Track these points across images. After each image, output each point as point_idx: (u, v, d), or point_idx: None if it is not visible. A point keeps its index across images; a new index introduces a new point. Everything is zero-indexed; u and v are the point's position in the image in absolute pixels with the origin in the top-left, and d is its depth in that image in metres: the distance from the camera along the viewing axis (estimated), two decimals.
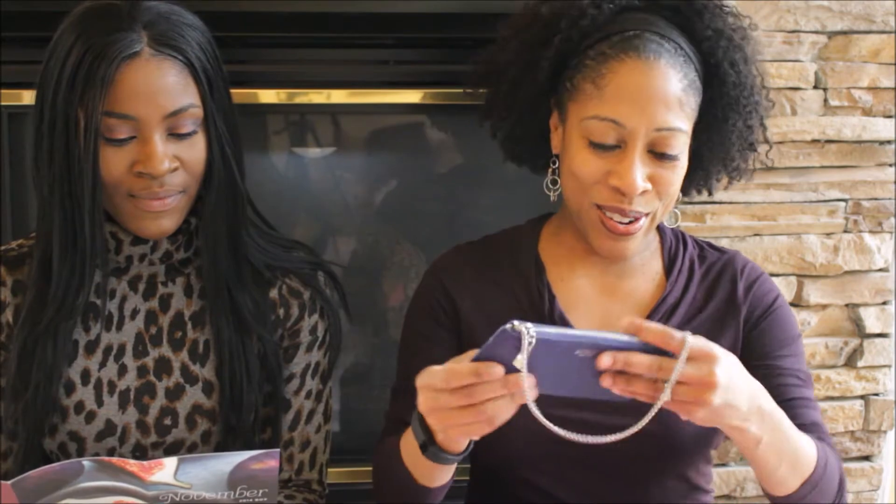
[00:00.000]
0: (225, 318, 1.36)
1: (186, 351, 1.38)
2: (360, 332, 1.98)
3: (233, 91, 1.76)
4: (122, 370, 1.37)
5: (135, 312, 1.38)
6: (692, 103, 1.30)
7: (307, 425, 1.44)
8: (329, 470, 1.86)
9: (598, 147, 1.28)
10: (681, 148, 1.29)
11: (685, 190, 1.42)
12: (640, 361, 1.05)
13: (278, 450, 1.15)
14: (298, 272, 1.42)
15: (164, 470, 1.14)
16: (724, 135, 1.36)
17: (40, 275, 1.33)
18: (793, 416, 1.25)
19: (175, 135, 1.28)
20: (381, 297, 2.00)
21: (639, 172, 1.27)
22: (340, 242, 1.98)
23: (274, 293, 1.41)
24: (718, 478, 1.96)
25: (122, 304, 1.38)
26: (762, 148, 1.44)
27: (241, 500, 1.17)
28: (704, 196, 1.50)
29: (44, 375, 1.32)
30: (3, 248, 1.42)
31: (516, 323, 1.02)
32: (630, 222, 1.30)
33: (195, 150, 1.30)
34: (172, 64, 1.26)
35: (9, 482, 1.11)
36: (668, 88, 1.26)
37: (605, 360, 1.05)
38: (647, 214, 1.31)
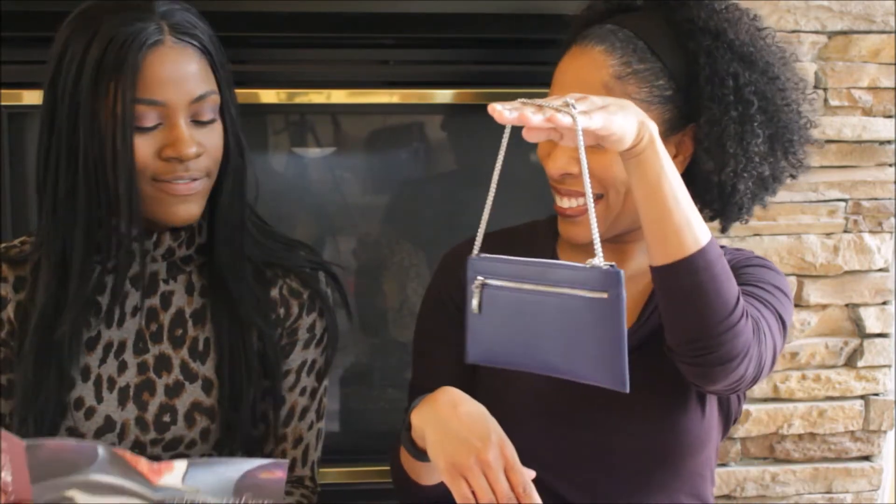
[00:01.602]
0: (227, 313, 1.37)
1: (186, 348, 1.38)
2: (360, 332, 1.98)
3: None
4: (122, 367, 1.37)
5: (136, 309, 1.38)
6: (634, 91, 1.28)
7: (300, 422, 1.44)
8: (329, 470, 1.86)
9: None
10: None
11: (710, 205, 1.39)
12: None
13: (287, 461, 1.15)
14: (299, 272, 1.43)
15: (173, 473, 1.13)
16: (707, 129, 1.32)
17: (52, 277, 1.33)
18: None
19: (197, 122, 1.31)
20: (381, 297, 2.00)
21: (559, 156, 1.29)
22: (340, 242, 1.98)
23: (275, 293, 1.41)
24: (718, 478, 1.96)
25: (124, 301, 1.38)
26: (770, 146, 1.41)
27: None
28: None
29: (56, 381, 1.33)
30: (4, 245, 1.42)
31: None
32: (577, 206, 1.33)
33: (215, 137, 1.33)
34: (193, 51, 1.30)
35: (24, 441, 1.11)
36: (593, 73, 1.29)
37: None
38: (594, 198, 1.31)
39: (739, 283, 1.28)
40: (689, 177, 1.35)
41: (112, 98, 1.26)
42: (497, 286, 1.10)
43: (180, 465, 1.13)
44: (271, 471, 1.15)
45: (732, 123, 1.30)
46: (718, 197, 1.36)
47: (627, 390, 1.05)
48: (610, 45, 1.30)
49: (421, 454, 1.23)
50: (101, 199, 1.30)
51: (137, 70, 1.26)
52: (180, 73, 1.28)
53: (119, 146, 1.26)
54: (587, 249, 1.37)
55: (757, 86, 1.32)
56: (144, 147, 1.28)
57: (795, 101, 1.35)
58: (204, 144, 1.31)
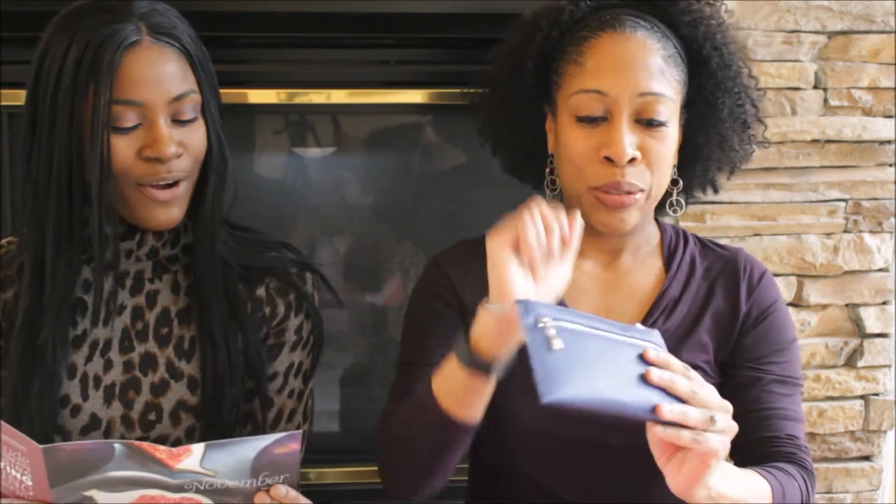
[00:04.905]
0: (214, 312, 1.37)
1: (172, 347, 1.39)
2: (360, 332, 1.98)
3: (233, 91, 1.77)
4: (108, 365, 1.38)
5: (122, 308, 1.39)
6: (675, 74, 1.32)
7: (288, 424, 1.44)
8: (329, 470, 1.87)
9: (586, 121, 1.31)
10: (667, 116, 1.31)
11: (689, 186, 1.43)
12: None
13: (300, 431, 1.18)
14: (284, 276, 1.43)
15: (192, 457, 1.15)
16: (716, 116, 1.38)
17: (34, 280, 1.34)
18: (768, 428, 1.30)
19: (177, 121, 1.31)
20: (380, 297, 2.00)
21: (627, 139, 1.29)
22: (340, 242, 1.98)
23: (261, 291, 1.42)
24: None
25: (110, 300, 1.39)
26: (759, 130, 1.45)
27: (262, 487, 1.19)
28: (709, 195, 1.50)
29: (43, 381, 1.33)
30: None
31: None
32: (627, 193, 1.31)
33: (196, 136, 1.33)
34: (171, 51, 1.31)
35: (41, 447, 1.13)
36: (647, 56, 1.30)
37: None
38: (641, 190, 1.32)
39: (772, 363, 1.38)
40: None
41: (90, 99, 1.26)
42: (570, 328, 1.07)
43: (198, 448, 1.15)
44: (286, 444, 1.17)
45: (727, 108, 1.37)
46: (699, 173, 1.43)
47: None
48: (646, 30, 1.32)
49: (480, 363, 1.16)
50: (73, 201, 1.30)
51: (114, 71, 1.26)
52: (158, 72, 1.29)
53: (94, 146, 1.27)
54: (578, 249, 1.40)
55: (742, 75, 1.39)
56: (124, 148, 1.29)
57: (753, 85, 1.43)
58: (185, 144, 1.31)
